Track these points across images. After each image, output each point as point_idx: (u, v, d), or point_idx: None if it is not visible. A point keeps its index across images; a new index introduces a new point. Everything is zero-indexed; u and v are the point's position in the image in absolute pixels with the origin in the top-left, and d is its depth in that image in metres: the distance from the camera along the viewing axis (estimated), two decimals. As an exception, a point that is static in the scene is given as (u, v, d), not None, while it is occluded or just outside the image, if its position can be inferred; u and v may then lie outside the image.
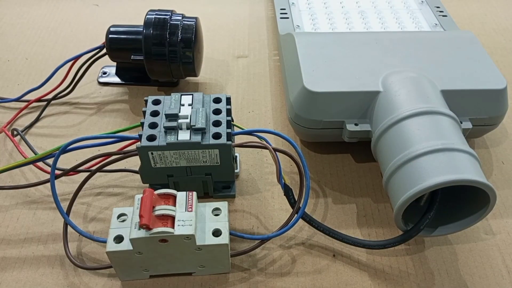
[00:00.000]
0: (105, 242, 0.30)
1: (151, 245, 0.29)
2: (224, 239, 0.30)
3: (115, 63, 0.49)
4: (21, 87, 0.49)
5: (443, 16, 0.52)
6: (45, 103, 0.47)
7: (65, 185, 0.39)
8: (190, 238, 0.29)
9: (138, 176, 0.38)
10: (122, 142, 0.36)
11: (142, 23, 0.44)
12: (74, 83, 0.47)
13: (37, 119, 0.46)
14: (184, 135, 0.33)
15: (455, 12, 0.61)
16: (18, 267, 0.34)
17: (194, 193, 0.30)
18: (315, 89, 0.37)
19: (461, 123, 0.36)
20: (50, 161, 0.38)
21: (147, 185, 0.38)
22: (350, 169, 0.41)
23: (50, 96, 0.47)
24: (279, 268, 0.34)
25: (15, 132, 0.43)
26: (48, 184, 0.34)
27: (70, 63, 0.45)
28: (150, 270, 0.32)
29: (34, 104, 0.47)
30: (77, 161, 0.36)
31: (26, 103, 0.46)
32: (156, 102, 0.35)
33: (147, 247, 0.29)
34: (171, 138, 0.33)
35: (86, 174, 0.36)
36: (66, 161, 0.40)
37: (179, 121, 0.33)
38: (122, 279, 0.33)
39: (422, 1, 0.54)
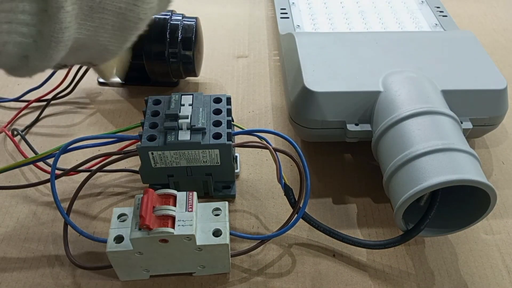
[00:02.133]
0: (105, 242, 0.30)
1: (151, 245, 0.29)
2: (224, 239, 0.30)
3: (115, 63, 0.49)
4: (21, 87, 0.49)
5: (443, 16, 0.52)
6: (45, 103, 0.47)
7: (65, 185, 0.39)
8: (190, 238, 0.29)
9: (138, 176, 0.38)
10: (122, 142, 0.36)
11: (142, 23, 0.44)
12: (74, 83, 0.47)
13: (37, 119, 0.46)
14: (184, 135, 0.33)
15: (455, 12, 0.61)
16: (18, 267, 0.34)
17: (194, 193, 0.30)
18: (316, 89, 0.37)
19: (462, 123, 0.36)
20: (50, 161, 0.38)
21: (147, 185, 0.38)
22: (350, 169, 0.41)
23: (50, 96, 0.47)
24: (279, 268, 0.34)
25: (15, 132, 0.43)
26: (48, 184, 0.34)
27: (70, 63, 0.45)
28: (150, 270, 0.32)
29: (34, 104, 0.47)
30: (77, 161, 0.36)
31: (26, 103, 0.46)
32: (156, 102, 0.35)
33: (147, 247, 0.29)
34: (171, 138, 0.33)
35: (86, 174, 0.36)
36: (66, 161, 0.40)
37: (179, 121, 0.33)
38: (122, 279, 0.33)
39: (422, 1, 0.54)
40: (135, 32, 0.27)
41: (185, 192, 0.30)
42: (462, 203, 0.33)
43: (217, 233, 0.30)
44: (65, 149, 0.33)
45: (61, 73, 0.45)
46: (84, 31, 0.24)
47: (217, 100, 0.36)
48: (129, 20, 0.25)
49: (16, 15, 0.21)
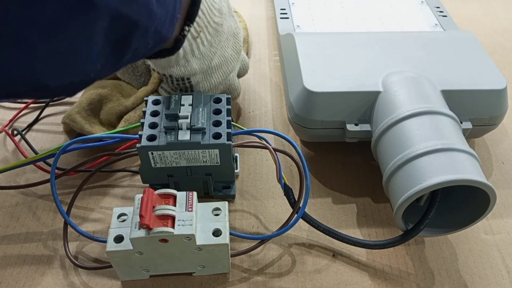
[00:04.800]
0: (105, 242, 0.30)
1: (151, 245, 0.29)
2: (224, 239, 0.30)
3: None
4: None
5: (443, 16, 0.52)
6: (45, 102, 0.47)
7: (65, 185, 0.39)
8: (190, 238, 0.29)
9: (138, 176, 0.38)
10: (122, 142, 0.36)
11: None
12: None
13: (37, 119, 0.46)
14: (184, 135, 0.33)
15: (455, 12, 0.61)
16: (18, 267, 0.34)
17: (194, 193, 0.30)
18: (315, 89, 0.37)
19: (461, 123, 0.36)
20: (50, 161, 0.38)
21: (147, 185, 0.38)
22: (350, 169, 0.41)
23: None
24: (279, 268, 0.34)
25: (15, 132, 0.43)
26: (48, 184, 0.34)
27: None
28: (150, 270, 0.32)
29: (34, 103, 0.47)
30: (77, 161, 0.36)
31: (26, 103, 0.46)
32: (156, 102, 0.35)
33: (147, 247, 0.29)
34: (171, 138, 0.33)
35: (86, 174, 0.36)
36: (66, 161, 0.40)
37: (179, 121, 0.33)
38: (122, 279, 0.33)
39: (422, 1, 0.55)
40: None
41: (185, 192, 0.30)
42: (462, 203, 0.33)
43: (217, 233, 0.30)
44: (65, 149, 0.33)
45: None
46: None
47: (217, 100, 0.36)
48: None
49: None
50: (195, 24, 0.32)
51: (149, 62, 0.36)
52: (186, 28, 0.32)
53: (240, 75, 0.43)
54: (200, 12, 0.32)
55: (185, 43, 0.33)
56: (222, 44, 0.36)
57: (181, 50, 0.33)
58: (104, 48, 0.24)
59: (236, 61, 0.39)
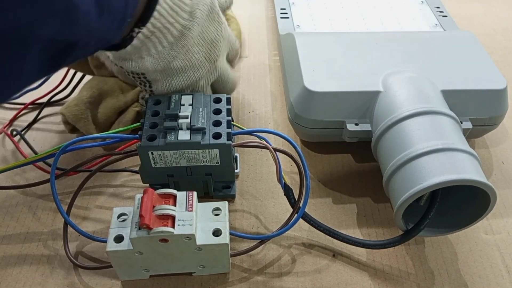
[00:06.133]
0: (105, 242, 0.30)
1: (151, 245, 0.29)
2: (224, 239, 0.30)
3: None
4: (21, 87, 0.49)
5: (443, 16, 0.52)
6: (44, 102, 0.47)
7: (65, 185, 0.39)
8: (190, 237, 0.29)
9: (138, 176, 0.38)
10: (122, 142, 0.36)
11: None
12: (73, 85, 0.47)
13: (36, 119, 0.46)
14: (184, 135, 0.33)
15: (455, 12, 0.61)
16: (18, 267, 0.34)
17: (194, 192, 0.30)
18: (316, 89, 0.37)
19: (461, 123, 0.36)
20: (50, 161, 0.38)
21: (147, 185, 0.38)
22: (350, 169, 0.41)
23: (49, 96, 0.47)
24: (279, 268, 0.34)
25: (14, 132, 0.43)
26: (48, 184, 0.34)
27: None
28: (150, 270, 0.32)
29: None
30: (77, 161, 0.36)
31: (26, 103, 0.46)
32: (156, 102, 0.35)
33: (147, 247, 0.29)
34: (171, 138, 0.33)
35: (86, 174, 0.36)
36: (66, 161, 0.40)
37: (179, 121, 0.33)
38: (122, 279, 0.33)
39: (422, 1, 0.55)
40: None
41: (185, 192, 0.30)
42: (462, 203, 0.33)
43: (217, 232, 0.30)
44: (65, 149, 0.33)
45: (60, 73, 0.45)
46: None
47: (217, 100, 0.36)
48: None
49: None
50: (148, 25, 0.32)
51: (108, 53, 0.36)
52: (136, 29, 0.31)
53: (230, 60, 0.42)
54: (157, 14, 0.32)
55: (135, 42, 0.32)
56: (187, 49, 0.34)
57: (128, 48, 0.32)
58: (40, 64, 0.25)
59: (208, 70, 0.37)
